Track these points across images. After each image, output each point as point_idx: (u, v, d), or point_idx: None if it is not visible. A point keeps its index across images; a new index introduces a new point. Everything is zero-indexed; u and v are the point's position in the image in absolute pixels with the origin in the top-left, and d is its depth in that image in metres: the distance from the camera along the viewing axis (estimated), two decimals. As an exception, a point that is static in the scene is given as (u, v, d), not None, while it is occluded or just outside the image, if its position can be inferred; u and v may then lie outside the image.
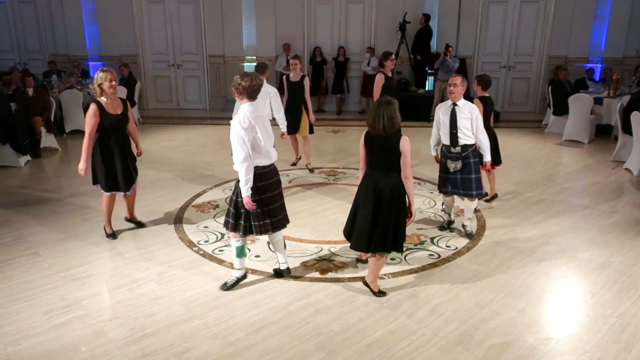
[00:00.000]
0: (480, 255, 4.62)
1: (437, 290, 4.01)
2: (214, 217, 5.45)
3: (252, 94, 3.68)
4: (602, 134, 9.24)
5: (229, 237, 4.19)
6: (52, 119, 8.34)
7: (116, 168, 4.71)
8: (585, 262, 4.50)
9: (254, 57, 11.64)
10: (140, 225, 5.20)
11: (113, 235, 4.95)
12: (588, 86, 10.08)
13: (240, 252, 4.00)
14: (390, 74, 6.40)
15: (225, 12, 11.50)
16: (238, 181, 3.75)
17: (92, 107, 4.48)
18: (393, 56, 6.42)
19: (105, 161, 4.65)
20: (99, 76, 4.50)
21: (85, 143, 4.52)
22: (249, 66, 11.61)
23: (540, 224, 5.35)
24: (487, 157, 4.92)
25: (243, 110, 3.67)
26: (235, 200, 3.85)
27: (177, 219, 5.43)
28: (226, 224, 3.96)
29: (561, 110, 9.47)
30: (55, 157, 8.08)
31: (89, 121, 4.48)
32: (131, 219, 5.23)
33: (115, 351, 3.25)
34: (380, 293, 3.93)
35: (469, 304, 3.81)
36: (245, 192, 3.68)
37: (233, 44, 11.66)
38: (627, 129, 7.42)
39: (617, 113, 8.03)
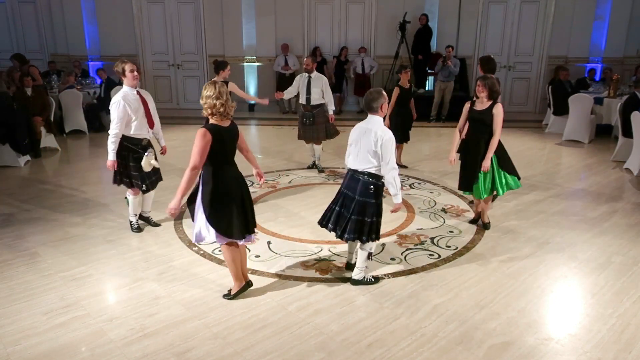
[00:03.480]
0: (480, 256, 4.62)
1: (437, 290, 4.01)
2: (214, 217, 5.44)
3: None
4: (602, 134, 9.25)
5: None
6: (52, 119, 8.34)
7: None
8: (585, 262, 4.50)
9: (254, 57, 11.66)
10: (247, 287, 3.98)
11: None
12: (589, 86, 10.09)
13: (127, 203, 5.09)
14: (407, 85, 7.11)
15: (225, 12, 11.50)
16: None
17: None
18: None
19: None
20: None
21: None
22: (249, 66, 11.62)
23: (540, 224, 5.35)
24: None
25: None
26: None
27: (177, 219, 5.43)
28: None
29: (561, 110, 9.47)
30: (55, 157, 8.09)
31: None
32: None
33: (115, 351, 3.25)
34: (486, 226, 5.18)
35: (469, 304, 3.81)
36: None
37: (233, 44, 11.66)
38: (627, 133, 7.42)
39: (617, 113, 8.04)
